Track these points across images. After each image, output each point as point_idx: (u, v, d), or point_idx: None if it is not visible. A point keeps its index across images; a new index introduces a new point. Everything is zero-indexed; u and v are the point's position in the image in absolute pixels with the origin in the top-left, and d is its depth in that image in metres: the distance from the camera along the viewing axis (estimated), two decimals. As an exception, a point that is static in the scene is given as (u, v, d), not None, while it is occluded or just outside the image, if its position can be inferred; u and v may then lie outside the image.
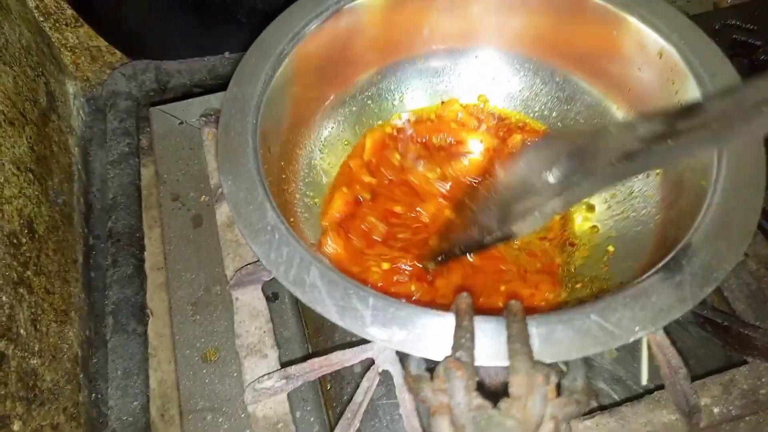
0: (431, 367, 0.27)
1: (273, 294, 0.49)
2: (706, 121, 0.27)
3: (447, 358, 0.26)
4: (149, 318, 0.58)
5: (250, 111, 0.38)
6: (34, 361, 0.48)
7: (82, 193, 0.66)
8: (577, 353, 0.28)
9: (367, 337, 0.29)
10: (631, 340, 0.29)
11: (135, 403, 0.49)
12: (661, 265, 0.32)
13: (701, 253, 0.32)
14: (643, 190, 0.45)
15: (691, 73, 0.40)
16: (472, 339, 0.27)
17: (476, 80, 0.53)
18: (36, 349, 0.48)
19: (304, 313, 0.50)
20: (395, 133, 0.52)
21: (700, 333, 0.45)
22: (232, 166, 0.35)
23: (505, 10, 0.49)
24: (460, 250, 0.41)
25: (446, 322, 0.29)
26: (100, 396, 0.54)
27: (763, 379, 0.41)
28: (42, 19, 0.66)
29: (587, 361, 0.46)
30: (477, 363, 0.27)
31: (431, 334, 0.29)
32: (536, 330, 0.28)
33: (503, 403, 0.24)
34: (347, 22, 0.45)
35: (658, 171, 0.44)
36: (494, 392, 0.25)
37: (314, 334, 0.50)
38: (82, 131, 0.71)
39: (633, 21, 0.44)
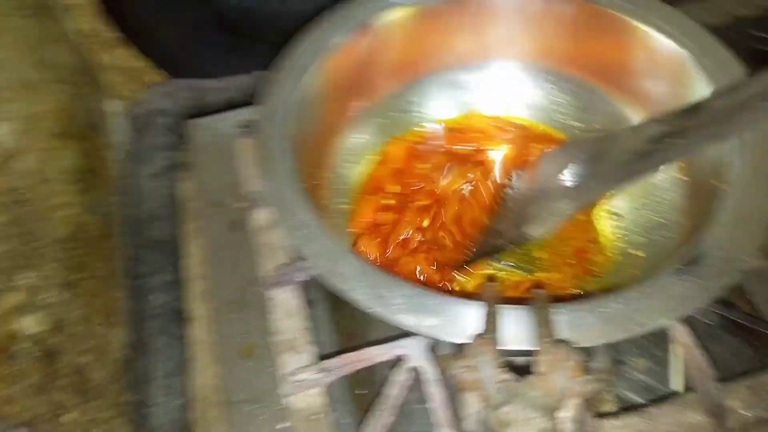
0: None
1: (309, 300, 0.51)
2: (710, 117, 0.29)
3: (475, 337, 0.27)
4: (189, 323, 0.60)
5: (285, 118, 0.41)
6: (83, 360, 0.50)
7: (122, 205, 0.70)
8: (603, 340, 0.29)
9: (397, 324, 0.30)
10: (654, 328, 0.30)
11: (176, 401, 0.51)
12: (682, 258, 0.33)
13: (720, 246, 0.33)
14: (670, 198, 0.46)
15: (708, 80, 0.41)
16: (499, 323, 0.28)
17: (498, 93, 0.54)
18: (85, 348, 0.51)
19: (337, 320, 0.52)
20: (421, 142, 0.54)
21: (728, 338, 0.46)
22: (270, 168, 0.38)
23: (524, 25, 0.51)
24: (478, 255, 0.43)
25: (473, 310, 0.31)
26: (143, 397, 0.56)
27: (792, 382, 0.41)
28: (82, 41, 0.71)
29: (619, 374, 0.47)
30: (503, 347, 0.28)
31: (459, 321, 0.30)
32: (564, 317, 0.30)
33: (530, 378, 0.25)
34: (372, 38, 0.48)
35: (685, 177, 0.45)
36: (520, 373, 0.27)
37: (346, 341, 0.51)
38: (121, 147, 0.75)
39: (650, 31, 0.45)
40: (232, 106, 0.74)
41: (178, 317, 0.60)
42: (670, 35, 0.44)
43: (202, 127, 0.59)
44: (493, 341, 0.27)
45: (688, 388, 0.41)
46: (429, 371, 0.42)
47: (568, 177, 0.37)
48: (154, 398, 0.54)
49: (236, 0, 0.67)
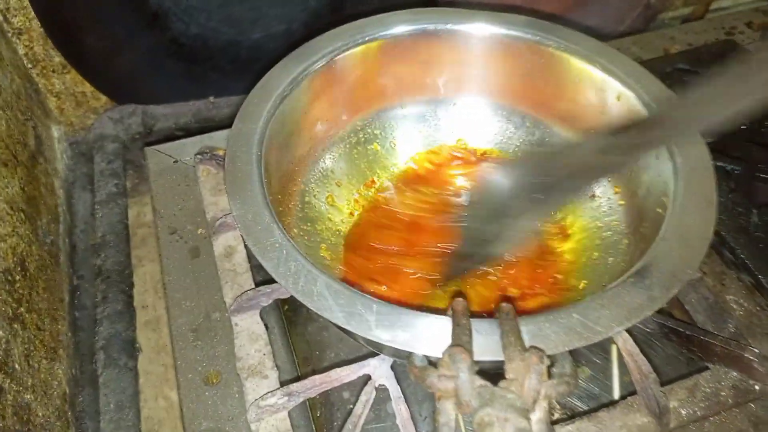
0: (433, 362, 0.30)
1: (264, 325, 0.52)
2: (650, 130, 0.32)
3: (450, 346, 0.29)
4: (139, 354, 0.59)
5: (254, 144, 0.42)
6: (28, 396, 0.48)
7: (67, 234, 0.68)
8: (563, 347, 0.32)
9: (374, 339, 0.31)
10: (610, 334, 0.32)
11: (128, 436, 0.50)
12: (631, 272, 0.36)
13: (666, 260, 0.36)
14: (610, 221, 0.50)
15: (647, 112, 0.46)
16: (469, 335, 0.30)
17: (456, 125, 0.57)
18: (29, 384, 0.49)
19: (293, 343, 0.52)
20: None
21: (667, 344, 0.49)
22: (239, 192, 0.38)
23: (478, 63, 0.54)
24: (454, 273, 0.44)
25: (445, 323, 0.32)
26: (88, 432, 0.54)
27: (723, 383, 0.45)
28: (30, 65, 0.69)
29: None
30: (475, 357, 0.30)
31: (432, 334, 0.32)
32: (525, 328, 0.32)
33: (502, 383, 0.27)
34: (337, 72, 0.50)
35: (621, 202, 0.49)
36: (492, 381, 0.28)
37: (303, 363, 0.52)
38: (66, 174, 0.73)
39: (593, 70, 0.49)
40: (184, 131, 0.74)
41: (129, 348, 0.58)
42: (611, 73, 0.48)
43: (158, 154, 0.59)
44: (468, 350, 0.28)
45: (631, 392, 0.44)
46: (394, 389, 0.43)
47: (522, 191, 0.39)
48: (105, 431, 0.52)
49: (195, 28, 0.68)
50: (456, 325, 0.31)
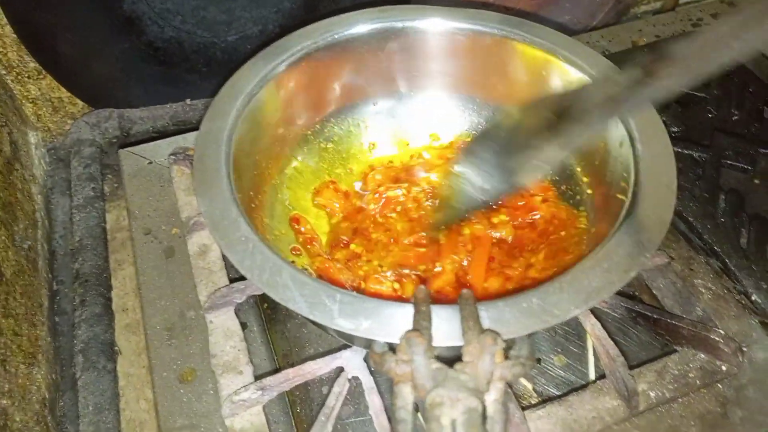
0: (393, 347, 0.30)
1: (242, 323, 0.52)
2: (677, 62, 0.33)
3: (407, 332, 0.29)
4: (118, 355, 0.59)
5: (223, 142, 0.42)
6: (5, 402, 0.48)
7: (45, 239, 0.68)
8: (523, 331, 0.32)
9: (337, 327, 0.32)
10: (568, 317, 0.33)
11: (108, 437, 0.50)
12: (591, 256, 0.36)
13: (624, 244, 0.37)
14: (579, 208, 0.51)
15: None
16: (429, 320, 0.31)
17: (427, 120, 0.58)
18: (6, 389, 0.49)
19: (272, 341, 0.53)
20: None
21: (636, 328, 0.50)
22: (207, 188, 0.39)
23: (445, 58, 0.55)
24: (464, 212, 0.44)
25: (407, 311, 0.33)
26: (69, 436, 0.54)
27: (691, 365, 0.46)
28: (5, 72, 0.69)
29: (542, 371, 0.50)
30: (434, 343, 0.31)
31: (394, 322, 0.32)
32: (486, 313, 0.33)
33: (458, 365, 0.28)
34: (304, 70, 0.50)
35: (589, 191, 0.50)
36: (450, 364, 0.29)
37: (282, 361, 0.52)
38: (44, 180, 0.73)
39: (558, 62, 0.50)
40: (161, 134, 0.74)
41: (107, 350, 0.59)
42: (575, 65, 0.49)
43: (133, 156, 0.59)
44: (424, 335, 0.29)
45: (602, 376, 0.45)
46: (367, 380, 0.43)
47: (548, 121, 0.40)
48: (84, 434, 0.52)
49: (170, 32, 0.68)
50: (417, 311, 0.32)
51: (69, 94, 0.73)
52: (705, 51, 0.32)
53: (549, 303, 0.33)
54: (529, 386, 0.49)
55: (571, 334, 0.50)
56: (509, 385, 0.47)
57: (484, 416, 0.27)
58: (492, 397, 0.27)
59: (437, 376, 0.26)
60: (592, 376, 0.49)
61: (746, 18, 0.30)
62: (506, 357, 0.30)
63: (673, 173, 0.41)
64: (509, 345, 0.32)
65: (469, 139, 0.57)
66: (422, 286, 0.34)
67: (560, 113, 0.40)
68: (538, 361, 0.51)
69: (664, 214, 0.39)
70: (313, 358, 0.45)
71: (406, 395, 0.27)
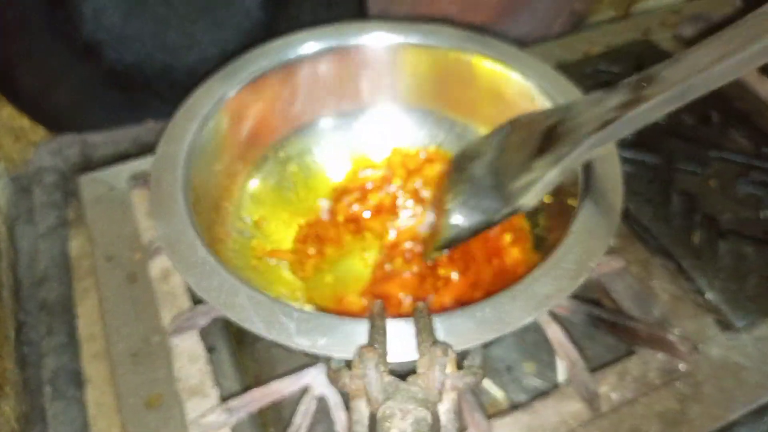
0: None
1: (210, 346, 0.52)
2: (665, 84, 0.33)
3: (360, 346, 0.30)
4: (87, 384, 0.58)
5: (179, 165, 0.42)
6: (-27, 437, 0.48)
7: (11, 269, 0.67)
8: (477, 341, 0.33)
9: (294, 346, 0.32)
10: (521, 325, 0.34)
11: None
12: (543, 263, 0.38)
13: (574, 251, 0.38)
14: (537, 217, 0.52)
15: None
16: (384, 335, 0.31)
17: (386, 135, 0.59)
18: (-27, 424, 0.48)
19: (242, 363, 0.53)
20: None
21: (597, 332, 0.51)
22: (164, 212, 0.39)
23: (401, 72, 0.56)
24: (469, 235, 0.44)
25: (364, 328, 0.33)
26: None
27: (651, 365, 0.47)
28: (-35, 102, 0.69)
29: (513, 379, 0.51)
30: (390, 358, 0.31)
31: (351, 338, 0.33)
32: (441, 324, 0.33)
33: (410, 377, 0.28)
34: (260, 90, 0.51)
35: (547, 200, 0.51)
36: (403, 378, 0.29)
37: (253, 382, 0.52)
38: (9, 210, 0.72)
39: (511, 75, 0.52)
40: (124, 158, 0.74)
41: (76, 379, 0.58)
42: (527, 77, 0.51)
43: (93, 182, 0.59)
44: (376, 349, 0.29)
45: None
46: (333, 397, 0.44)
47: (542, 147, 0.40)
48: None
49: (130, 57, 0.68)
50: (372, 326, 0.32)
51: (31, 122, 0.73)
52: (691, 74, 0.32)
53: (502, 312, 0.34)
54: (501, 395, 0.50)
55: (541, 341, 0.51)
56: (477, 394, 0.47)
57: (437, 426, 0.27)
58: (445, 407, 0.28)
59: (389, 388, 0.27)
60: (561, 381, 0.50)
61: (729, 42, 0.31)
62: (460, 367, 0.31)
63: (619, 178, 0.43)
64: (464, 355, 0.33)
65: (452, 161, 0.56)
66: (378, 301, 0.34)
67: (548, 132, 0.40)
68: (509, 369, 0.52)
69: (611, 219, 0.40)
70: (282, 377, 0.46)
71: (361, 410, 0.28)
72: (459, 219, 0.47)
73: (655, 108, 0.33)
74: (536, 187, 0.40)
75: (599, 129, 0.36)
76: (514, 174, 0.42)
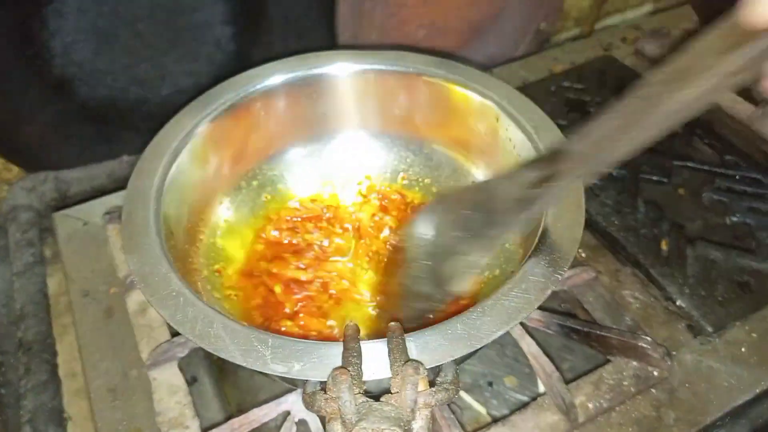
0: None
1: (192, 377, 0.52)
2: (574, 158, 0.34)
3: (334, 369, 0.30)
4: (68, 422, 0.57)
5: (151, 199, 0.43)
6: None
7: (-14, 309, 0.66)
8: (449, 357, 0.34)
9: (270, 372, 0.33)
10: (492, 339, 0.35)
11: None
12: (512, 279, 0.38)
13: (540, 264, 0.39)
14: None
15: (520, 131, 0.49)
16: (358, 356, 0.32)
17: (358, 160, 0.60)
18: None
19: (225, 392, 0.53)
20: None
21: (573, 343, 0.52)
22: (136, 246, 0.40)
23: (366, 98, 0.57)
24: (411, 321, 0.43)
25: (338, 351, 0.34)
26: None
27: (625, 373, 0.48)
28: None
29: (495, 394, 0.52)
30: (365, 378, 0.32)
31: (325, 362, 0.33)
32: (413, 343, 0.34)
33: (384, 397, 0.29)
34: (230, 121, 0.52)
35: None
36: (377, 398, 0.30)
37: (236, 411, 0.52)
38: (-17, 249, 0.71)
39: (471, 95, 0.53)
40: (99, 193, 0.74)
41: (56, 418, 0.57)
42: (488, 97, 0.52)
43: (68, 218, 0.59)
44: (350, 371, 0.30)
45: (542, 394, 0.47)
46: (313, 422, 0.44)
47: (460, 228, 0.41)
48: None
49: (102, 91, 0.69)
50: (346, 348, 0.33)
51: (3, 160, 0.73)
52: (600, 147, 0.33)
53: (473, 327, 0.35)
54: (483, 410, 0.51)
55: (521, 355, 0.52)
56: (455, 410, 0.48)
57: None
58: (418, 425, 0.29)
59: (362, 409, 0.27)
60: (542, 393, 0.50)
61: (633, 112, 0.32)
62: (432, 384, 0.31)
63: (581, 192, 0.44)
64: (437, 371, 0.33)
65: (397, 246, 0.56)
66: (351, 323, 0.35)
67: (476, 211, 0.41)
68: (490, 384, 0.52)
69: (574, 232, 0.41)
70: (262, 405, 0.46)
71: (336, 430, 0.28)
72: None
73: (571, 182, 0.36)
74: (465, 272, 0.41)
75: (523, 209, 0.37)
76: (450, 265, 0.42)
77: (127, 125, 0.74)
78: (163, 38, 0.69)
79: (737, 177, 0.64)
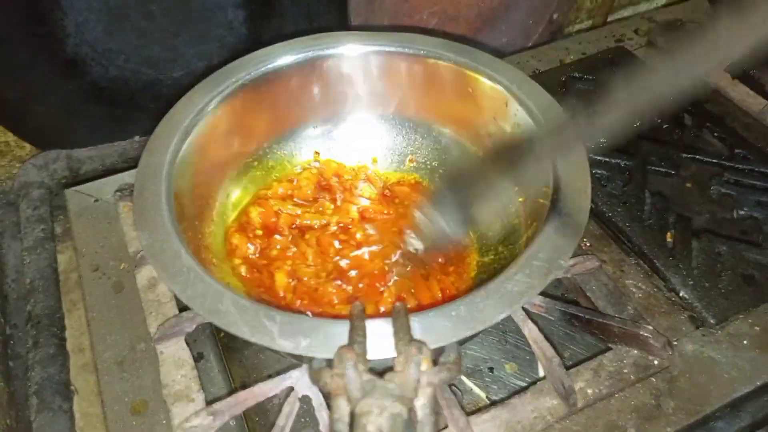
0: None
1: (198, 354, 0.53)
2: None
3: (341, 347, 0.31)
4: (74, 395, 0.59)
5: (162, 176, 0.43)
6: (-42, 451, 0.48)
7: (-2, 283, 0.67)
8: (452, 338, 0.34)
9: (277, 348, 0.33)
10: (494, 321, 0.35)
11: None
12: (515, 263, 0.39)
13: (545, 249, 0.39)
14: (511, 218, 0.53)
15: (528, 115, 0.50)
16: (363, 335, 0.32)
17: (366, 142, 0.61)
18: (-40, 439, 0.49)
19: (230, 369, 0.53)
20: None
21: (574, 329, 0.53)
22: (148, 222, 0.40)
23: (377, 79, 0.58)
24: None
25: (344, 329, 0.35)
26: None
27: (626, 361, 0.48)
28: (-50, 120, 0.69)
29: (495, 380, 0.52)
30: (370, 356, 0.32)
31: (331, 339, 0.34)
32: (418, 324, 0.34)
33: (388, 375, 0.29)
34: (241, 99, 0.52)
35: (521, 198, 0.53)
36: (382, 375, 0.31)
37: (241, 388, 0.53)
38: (-4, 225, 0.72)
39: (482, 80, 0.53)
40: (110, 173, 0.75)
41: (63, 391, 0.58)
42: (498, 82, 0.53)
43: (79, 194, 0.60)
44: (356, 349, 0.31)
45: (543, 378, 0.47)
46: (316, 398, 0.45)
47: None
48: (42, 477, 0.52)
49: (114, 71, 0.69)
50: (352, 327, 0.33)
51: (15, 137, 0.73)
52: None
53: (476, 310, 0.36)
54: (483, 395, 0.51)
55: (522, 342, 0.52)
56: (456, 392, 0.49)
57: (414, 420, 0.28)
58: (420, 403, 0.29)
59: (367, 386, 0.28)
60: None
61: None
62: (436, 363, 0.32)
63: (587, 179, 0.44)
64: (440, 352, 0.34)
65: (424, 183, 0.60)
66: (357, 303, 0.35)
67: (512, 157, 0.44)
68: (491, 370, 0.53)
69: (580, 216, 0.41)
70: (266, 377, 0.46)
71: (341, 408, 0.29)
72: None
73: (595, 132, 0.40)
74: (492, 205, 0.45)
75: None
76: (479, 194, 0.47)
77: (138, 106, 0.75)
78: (175, 20, 0.69)
79: (746, 171, 0.64)
